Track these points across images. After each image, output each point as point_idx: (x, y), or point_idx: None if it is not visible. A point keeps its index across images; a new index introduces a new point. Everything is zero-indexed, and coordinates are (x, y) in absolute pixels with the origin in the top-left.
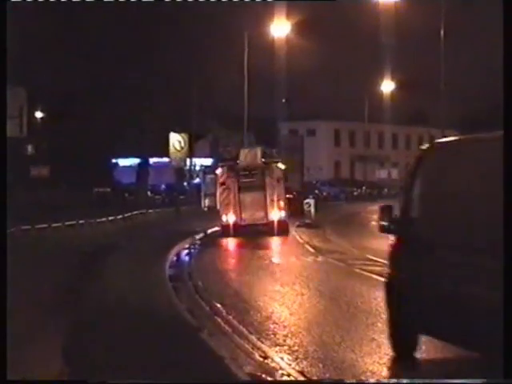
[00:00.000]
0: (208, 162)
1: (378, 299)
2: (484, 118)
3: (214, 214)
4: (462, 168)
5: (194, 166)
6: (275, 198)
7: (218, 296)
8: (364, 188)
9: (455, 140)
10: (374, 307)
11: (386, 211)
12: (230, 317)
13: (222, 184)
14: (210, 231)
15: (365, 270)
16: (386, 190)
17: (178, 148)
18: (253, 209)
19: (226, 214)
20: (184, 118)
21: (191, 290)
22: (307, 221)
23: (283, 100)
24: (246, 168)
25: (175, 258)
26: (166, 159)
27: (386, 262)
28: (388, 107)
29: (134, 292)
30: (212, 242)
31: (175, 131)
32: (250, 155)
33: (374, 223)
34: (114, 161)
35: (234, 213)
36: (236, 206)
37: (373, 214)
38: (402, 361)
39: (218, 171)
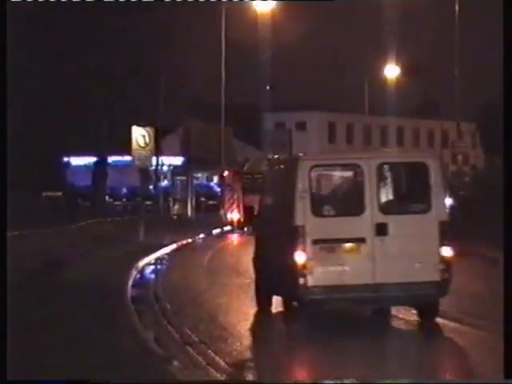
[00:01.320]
0: (178, 160)
1: (377, 322)
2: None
3: (184, 223)
4: (277, 178)
5: (162, 165)
6: None
7: (189, 321)
8: None
9: (277, 158)
10: (377, 332)
11: (247, 211)
12: (205, 346)
13: (229, 186)
14: (180, 244)
15: None
16: None
17: (142, 144)
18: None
19: (231, 212)
20: (149, 108)
21: (158, 314)
22: None
23: (267, 87)
24: (249, 172)
25: (139, 276)
26: (127, 158)
27: None
28: (392, 96)
29: (87, 317)
30: (183, 256)
31: (139, 124)
32: (255, 162)
33: None
34: (65, 159)
35: (238, 211)
36: (240, 205)
37: None
38: (263, 314)
39: (225, 174)
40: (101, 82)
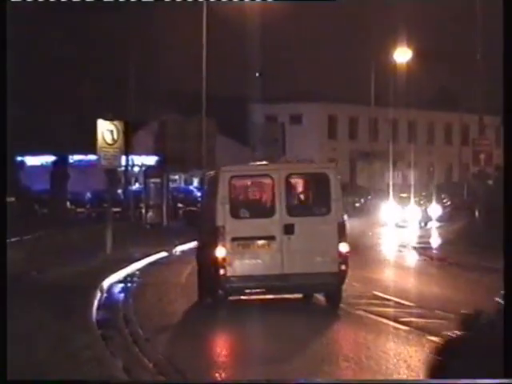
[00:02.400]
0: (151, 160)
1: (390, 352)
2: None
3: (159, 233)
4: (209, 187)
5: (132, 166)
6: None
7: (165, 348)
8: (369, 197)
9: (214, 172)
10: (392, 366)
11: (188, 214)
12: (181, 376)
13: None
14: (154, 258)
15: (372, 313)
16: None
17: (110, 141)
18: None
19: None
20: (118, 98)
21: (128, 341)
22: None
23: (256, 74)
24: None
25: (105, 296)
26: (92, 157)
27: (399, 300)
28: (403, 84)
29: (44, 342)
30: (158, 272)
31: (105, 117)
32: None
33: (382, 248)
34: (19, 159)
35: None
36: None
37: (383, 236)
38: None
39: None
40: (61, 68)
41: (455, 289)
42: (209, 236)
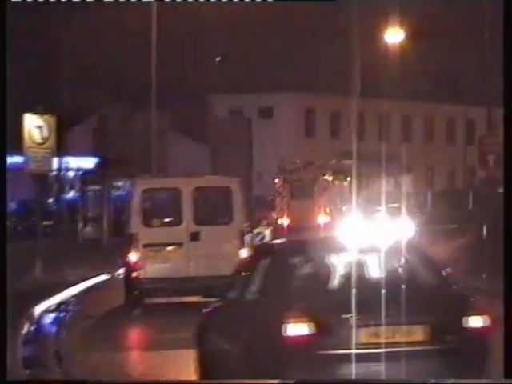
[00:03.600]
0: (90, 163)
1: None
2: None
3: (100, 251)
4: (128, 198)
5: (67, 170)
6: (322, 205)
7: None
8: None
9: (131, 183)
10: None
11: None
12: None
13: (278, 193)
14: (93, 282)
15: None
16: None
17: (39, 140)
18: (303, 214)
19: (281, 218)
20: (50, 87)
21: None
22: None
23: (217, 58)
24: (298, 179)
25: (34, 328)
26: (17, 159)
27: None
28: (395, 71)
29: None
30: (98, 299)
31: (33, 111)
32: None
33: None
34: None
35: (288, 217)
36: (290, 211)
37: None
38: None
39: (276, 181)
40: None
41: None
42: (126, 242)
